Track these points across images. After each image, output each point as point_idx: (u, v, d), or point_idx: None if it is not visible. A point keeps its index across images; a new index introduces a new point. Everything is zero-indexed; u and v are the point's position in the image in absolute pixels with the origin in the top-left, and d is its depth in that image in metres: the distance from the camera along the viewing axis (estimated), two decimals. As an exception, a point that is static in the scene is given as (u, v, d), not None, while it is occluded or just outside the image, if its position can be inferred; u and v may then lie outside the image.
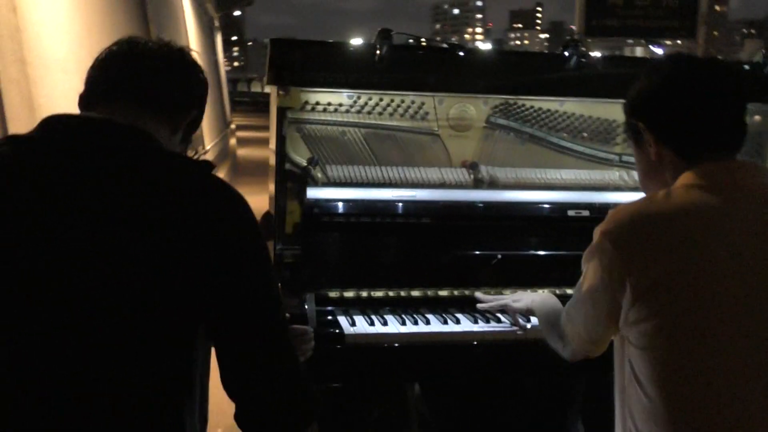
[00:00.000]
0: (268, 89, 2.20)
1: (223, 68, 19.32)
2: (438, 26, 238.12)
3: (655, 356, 1.26)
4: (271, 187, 2.18)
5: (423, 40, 2.47)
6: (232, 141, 15.94)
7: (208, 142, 9.84)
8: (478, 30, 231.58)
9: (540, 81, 2.22)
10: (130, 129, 1.16)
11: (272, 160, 2.16)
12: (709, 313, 1.24)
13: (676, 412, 1.25)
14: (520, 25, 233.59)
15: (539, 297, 1.79)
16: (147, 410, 1.11)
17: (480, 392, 2.15)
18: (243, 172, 12.42)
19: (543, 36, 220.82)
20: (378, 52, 2.02)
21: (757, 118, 2.42)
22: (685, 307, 1.24)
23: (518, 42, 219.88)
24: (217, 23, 16.11)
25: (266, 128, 2.36)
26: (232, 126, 17.77)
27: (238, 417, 1.19)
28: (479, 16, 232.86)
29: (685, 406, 1.24)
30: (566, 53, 2.06)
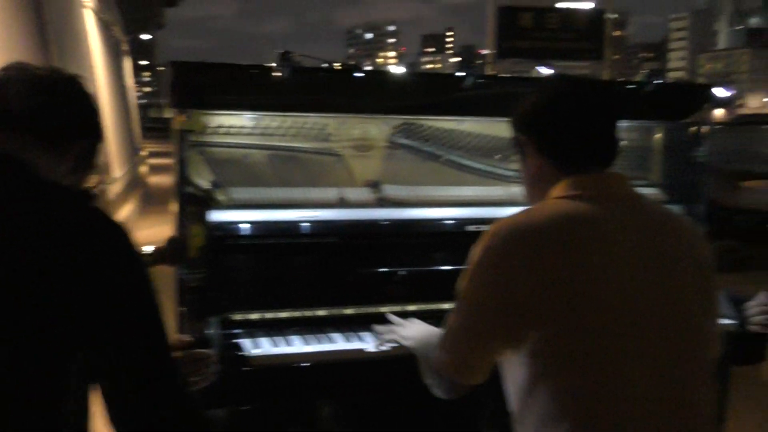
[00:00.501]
0: (168, 114, 2.18)
1: (133, 93, 18.90)
2: (352, 50, 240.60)
3: (542, 361, 1.32)
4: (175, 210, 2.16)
5: (324, 64, 2.50)
6: (143, 168, 15.58)
7: (116, 171, 9.56)
8: (391, 54, 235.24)
9: (438, 101, 2.30)
10: (5, 156, 1.13)
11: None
12: (587, 313, 1.30)
13: (564, 414, 1.31)
14: (432, 49, 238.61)
15: (421, 335, 1.76)
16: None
17: (390, 408, 2.18)
18: (155, 200, 12.12)
19: (454, 60, 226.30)
20: (279, 74, 2.04)
21: (637, 134, 2.58)
22: (567, 312, 1.30)
23: (431, 65, 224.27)
24: (125, 47, 15.75)
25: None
26: (143, 153, 17.37)
27: None
28: (392, 40, 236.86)
29: (570, 408, 1.31)
30: (462, 74, 2.14)
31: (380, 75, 2.32)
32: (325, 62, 2.46)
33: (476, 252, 1.38)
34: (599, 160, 1.43)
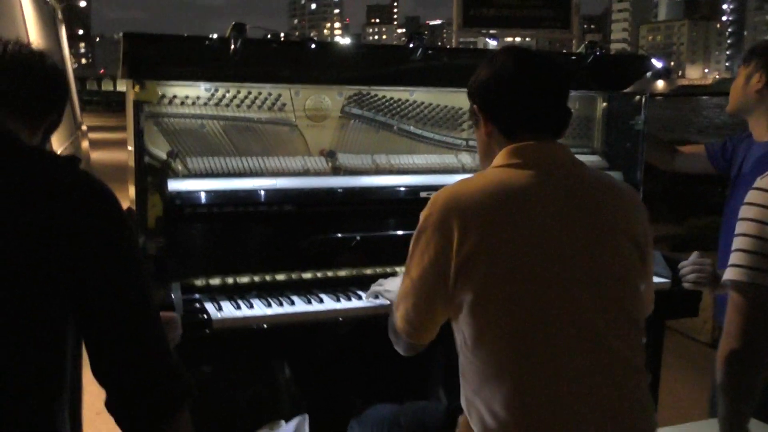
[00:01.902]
0: (121, 87, 2.20)
1: (70, 65, 18.29)
2: (295, 21, 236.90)
3: (477, 322, 1.41)
4: (132, 182, 2.19)
5: (282, 34, 2.54)
6: (85, 144, 15.11)
7: (56, 147, 9.28)
8: (336, 25, 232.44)
9: (389, 72, 2.37)
10: None
11: (131, 156, 2.16)
12: (518, 280, 1.40)
13: (501, 370, 1.41)
14: (377, 20, 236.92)
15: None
16: (17, 399, 1.13)
17: (348, 366, 2.27)
18: (99, 177, 11.83)
19: (400, 31, 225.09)
20: (232, 45, 2.08)
21: (580, 104, 2.70)
22: (497, 276, 1.39)
23: (376, 37, 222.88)
24: (60, 15, 15.14)
25: (121, 129, 2.34)
26: (84, 128, 16.84)
27: (108, 404, 1.21)
28: (336, 11, 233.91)
29: (506, 365, 1.40)
30: (411, 45, 2.21)
31: (332, 47, 2.37)
32: (275, 33, 2.50)
33: (420, 219, 1.46)
34: (544, 129, 1.51)
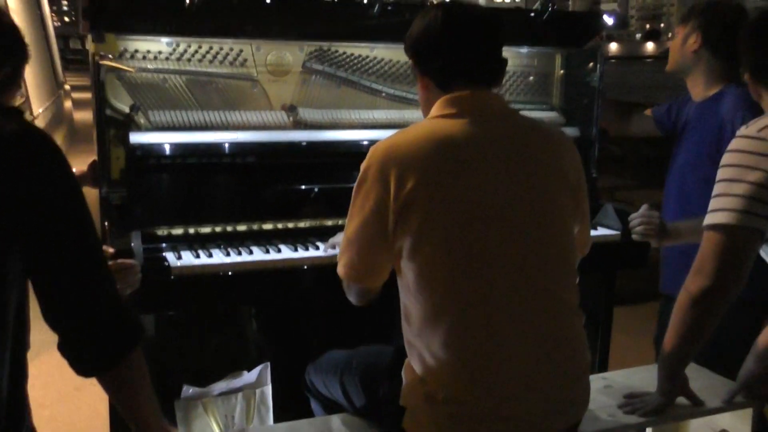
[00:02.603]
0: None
1: (50, 23, 17.98)
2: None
3: (417, 266, 1.49)
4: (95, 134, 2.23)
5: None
6: (67, 104, 14.90)
7: (36, 107, 9.18)
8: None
9: (350, 28, 2.41)
10: None
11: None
12: (455, 224, 1.47)
13: (440, 311, 1.49)
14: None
15: None
16: None
17: (304, 316, 2.36)
18: (82, 138, 11.70)
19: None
20: (192, -1, 2.12)
21: (538, 61, 2.75)
22: (434, 221, 1.46)
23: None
24: None
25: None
26: (66, 87, 16.59)
27: (60, 346, 1.27)
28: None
29: (445, 306, 1.49)
30: (368, 1, 2.25)
31: (293, 2, 2.41)
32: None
33: (361, 170, 1.53)
34: (478, 80, 1.57)
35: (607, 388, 2.00)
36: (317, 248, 2.15)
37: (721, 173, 1.65)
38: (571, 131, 2.64)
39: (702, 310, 1.66)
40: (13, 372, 1.27)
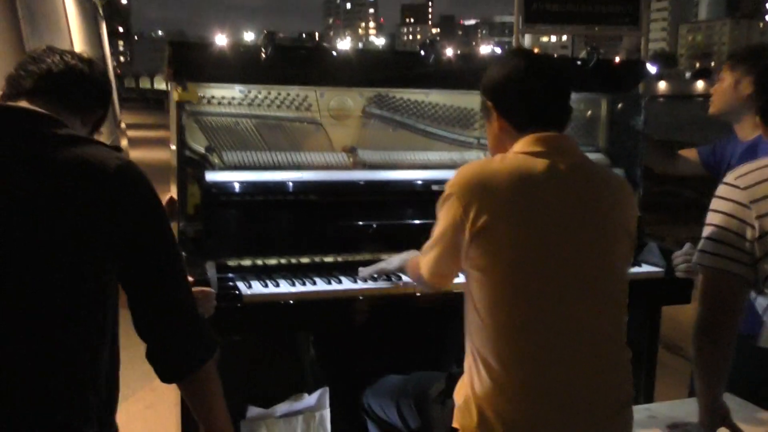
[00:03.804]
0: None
1: (110, 63, 18.63)
2: (330, 20, 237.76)
3: (485, 287, 1.63)
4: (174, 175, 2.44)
5: (317, 34, 2.77)
6: (124, 142, 15.27)
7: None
8: (371, 24, 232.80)
9: (406, 75, 2.59)
10: (49, 116, 1.42)
11: (173, 151, 2.42)
12: (523, 254, 1.61)
13: (499, 332, 1.63)
14: (411, 20, 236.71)
15: (407, 254, 2.15)
16: (64, 350, 1.36)
17: (361, 343, 2.51)
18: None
19: (435, 30, 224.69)
20: (264, 52, 2.33)
21: (585, 105, 2.89)
22: (505, 249, 1.61)
23: (410, 36, 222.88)
24: (101, 12, 15.28)
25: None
26: (123, 125, 17.09)
27: (148, 354, 1.48)
28: (371, 10, 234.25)
29: (504, 328, 1.62)
30: (423, 52, 2.44)
31: (354, 53, 2.61)
32: (309, 33, 2.73)
33: (446, 187, 1.69)
34: (551, 124, 1.71)
35: (651, 419, 2.09)
36: (375, 280, 2.30)
37: (707, 217, 1.79)
38: (616, 172, 2.76)
39: (702, 342, 1.78)
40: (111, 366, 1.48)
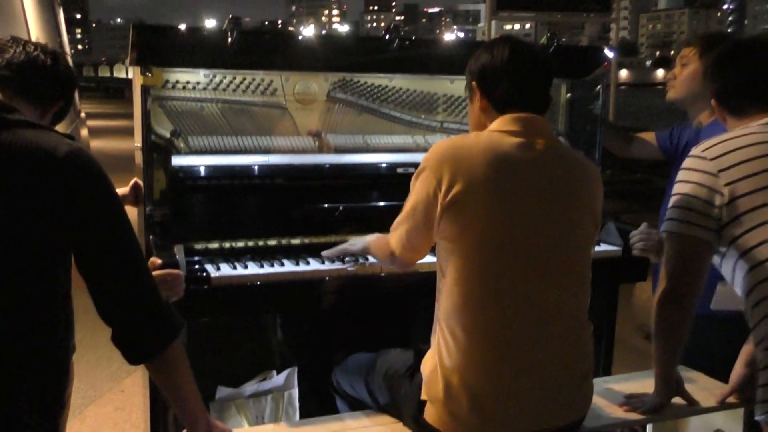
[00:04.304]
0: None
1: (68, 50, 18.26)
2: (293, 8, 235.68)
3: (455, 258, 1.70)
4: (138, 160, 2.44)
5: (279, 22, 2.79)
6: (84, 131, 14.96)
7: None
8: (335, 12, 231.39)
9: (370, 60, 2.63)
10: (3, 103, 1.45)
11: (137, 135, 2.42)
12: (493, 226, 1.68)
13: (467, 302, 1.69)
14: (375, 8, 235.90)
15: (370, 237, 2.19)
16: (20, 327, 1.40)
17: (329, 323, 2.55)
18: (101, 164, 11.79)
19: (398, 18, 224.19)
20: (229, 37, 2.34)
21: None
22: (475, 222, 1.67)
23: (374, 24, 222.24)
24: None
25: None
26: (82, 115, 16.73)
27: (113, 337, 1.51)
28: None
29: (471, 297, 1.69)
30: (387, 36, 2.47)
31: (319, 38, 2.64)
32: (272, 22, 2.75)
33: (422, 161, 1.74)
34: (529, 106, 1.78)
35: (608, 390, 2.17)
36: (343, 262, 2.34)
37: (674, 188, 1.87)
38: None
39: (666, 311, 1.87)
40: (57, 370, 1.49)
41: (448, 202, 1.67)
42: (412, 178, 1.77)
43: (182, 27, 2.50)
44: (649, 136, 2.81)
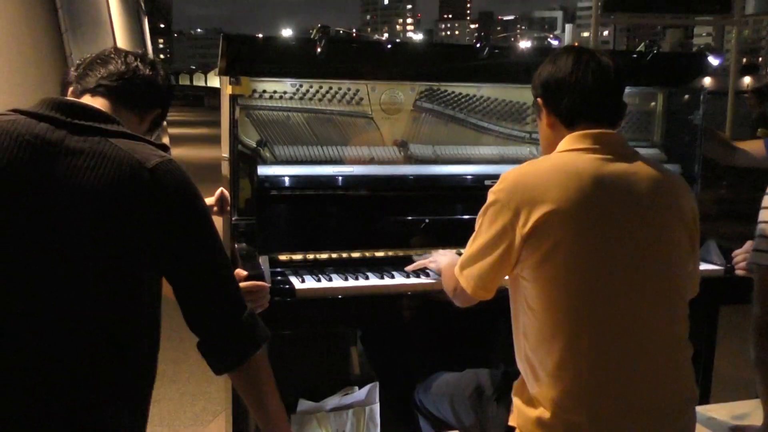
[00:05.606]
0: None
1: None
2: (368, 17, 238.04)
3: (538, 286, 1.60)
4: (225, 170, 2.45)
5: (354, 31, 2.77)
6: (165, 140, 15.33)
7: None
8: (408, 21, 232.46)
9: (458, 69, 2.56)
10: (104, 113, 1.46)
11: (224, 144, 2.42)
12: (579, 254, 1.57)
13: (555, 332, 1.59)
14: (449, 16, 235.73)
15: (447, 258, 2.10)
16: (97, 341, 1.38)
17: (412, 339, 2.49)
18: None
19: (473, 26, 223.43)
20: (318, 46, 2.32)
21: (640, 100, 2.82)
22: (560, 249, 1.57)
23: (448, 33, 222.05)
24: (143, 8, 15.29)
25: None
26: (164, 123, 17.05)
27: (199, 346, 1.50)
28: (409, 6, 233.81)
29: (561, 326, 1.59)
30: (478, 45, 2.40)
31: (406, 46, 2.59)
32: (347, 30, 2.73)
33: (489, 195, 1.66)
34: (601, 120, 1.68)
35: (710, 420, 2.03)
36: (427, 275, 2.28)
37: (760, 215, 1.73)
38: (672, 168, 2.69)
39: (763, 342, 1.77)
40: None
41: (527, 233, 1.57)
42: (479, 214, 1.67)
43: (271, 36, 2.50)
44: (758, 144, 2.65)
